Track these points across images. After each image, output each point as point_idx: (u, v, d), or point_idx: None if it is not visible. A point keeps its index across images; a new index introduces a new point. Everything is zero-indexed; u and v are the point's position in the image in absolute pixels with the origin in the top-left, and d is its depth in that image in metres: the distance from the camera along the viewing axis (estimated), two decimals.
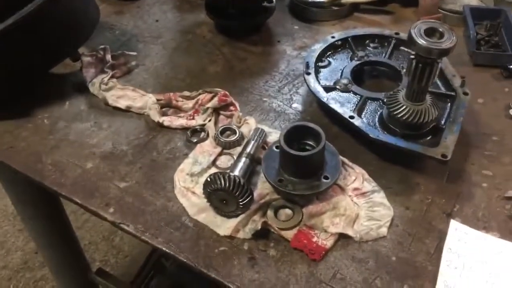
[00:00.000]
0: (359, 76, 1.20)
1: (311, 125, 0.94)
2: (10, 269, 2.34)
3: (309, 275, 0.87)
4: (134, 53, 1.32)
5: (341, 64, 1.22)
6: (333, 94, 1.13)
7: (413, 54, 0.94)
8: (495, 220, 0.94)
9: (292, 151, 0.90)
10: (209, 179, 0.91)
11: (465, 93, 1.09)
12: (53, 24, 1.13)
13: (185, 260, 0.89)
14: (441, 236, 0.92)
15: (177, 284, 2.13)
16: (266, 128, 1.09)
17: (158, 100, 1.17)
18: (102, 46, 1.28)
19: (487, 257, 0.88)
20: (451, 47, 0.89)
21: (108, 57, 1.27)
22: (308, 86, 1.13)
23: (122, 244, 2.43)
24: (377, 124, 1.07)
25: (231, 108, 1.16)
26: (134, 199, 0.99)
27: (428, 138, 1.03)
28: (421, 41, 0.89)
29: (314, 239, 0.90)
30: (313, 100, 1.19)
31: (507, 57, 1.26)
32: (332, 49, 1.26)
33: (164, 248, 0.91)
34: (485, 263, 0.87)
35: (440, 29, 0.91)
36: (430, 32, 0.91)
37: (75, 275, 1.86)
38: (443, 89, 1.13)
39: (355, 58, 1.23)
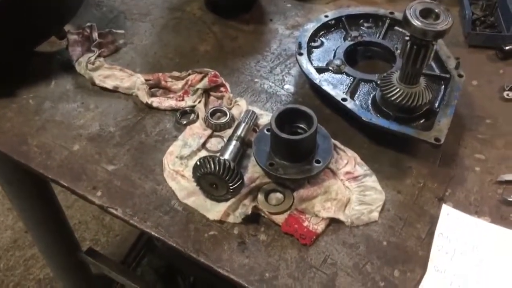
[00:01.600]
0: (352, 56, 1.18)
1: (303, 108, 0.92)
2: (0, 248, 2.32)
3: (300, 260, 0.86)
4: (122, 31, 1.28)
5: (334, 44, 1.19)
6: (325, 75, 1.11)
7: (408, 36, 0.91)
8: (487, 204, 0.94)
9: (284, 135, 0.88)
10: (198, 163, 0.90)
11: (460, 75, 1.07)
12: (37, 1, 1.09)
13: (174, 245, 0.88)
14: (433, 221, 0.91)
15: (168, 263, 2.14)
16: (257, 110, 1.07)
17: (146, 80, 1.14)
18: (88, 24, 1.24)
19: (478, 242, 0.88)
20: (447, 29, 0.87)
21: (95, 35, 1.23)
22: (300, 67, 1.11)
23: (113, 223, 2.42)
24: (370, 106, 1.05)
25: (222, 89, 1.13)
26: (122, 182, 0.97)
27: (421, 121, 1.02)
28: (416, 23, 0.87)
29: (305, 224, 0.90)
30: (305, 81, 1.17)
31: (502, 38, 1.24)
32: (325, 28, 1.23)
33: (153, 233, 0.90)
34: (476, 248, 0.87)
35: (436, 10, 0.88)
36: (425, 13, 0.88)
37: (65, 255, 1.85)
38: (437, 71, 1.11)
39: (349, 38, 1.20)
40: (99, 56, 1.20)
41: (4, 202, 2.48)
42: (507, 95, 1.13)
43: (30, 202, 1.59)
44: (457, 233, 0.89)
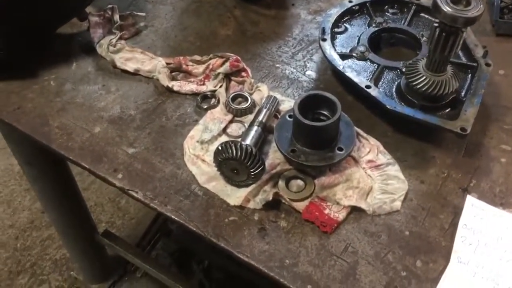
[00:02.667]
0: (376, 43, 1.16)
1: (327, 94, 0.91)
2: (17, 228, 2.36)
3: (320, 247, 0.86)
4: (143, 14, 1.28)
5: (358, 30, 1.17)
6: (349, 62, 1.09)
7: (436, 22, 0.89)
8: None
9: (307, 121, 0.87)
10: (220, 148, 0.89)
11: (488, 64, 1.05)
12: None
13: (194, 229, 0.88)
14: (456, 212, 0.90)
15: (183, 247, 2.15)
16: (278, 96, 1.06)
17: (167, 63, 1.14)
18: (110, 6, 1.23)
19: (503, 234, 0.86)
20: (478, 15, 0.84)
21: (116, 17, 1.22)
22: (323, 53, 1.09)
23: (128, 206, 2.43)
24: (394, 94, 1.03)
25: (243, 74, 1.12)
26: (143, 166, 0.97)
27: (447, 110, 1.00)
28: (446, 8, 0.84)
29: (326, 211, 0.89)
30: (327, 67, 1.15)
31: None
32: (349, 14, 1.21)
33: (173, 216, 0.90)
34: (501, 240, 0.85)
35: None
36: None
37: (81, 236, 1.87)
38: (464, 60, 1.09)
39: (373, 25, 1.18)
40: (120, 38, 1.20)
41: (21, 182, 2.51)
42: None
43: (49, 183, 1.61)
44: (482, 225, 0.87)
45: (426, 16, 1.20)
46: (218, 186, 0.93)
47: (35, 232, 2.36)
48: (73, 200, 1.75)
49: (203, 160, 0.97)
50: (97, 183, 2.49)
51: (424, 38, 1.13)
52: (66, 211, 1.75)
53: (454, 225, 0.88)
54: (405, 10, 1.21)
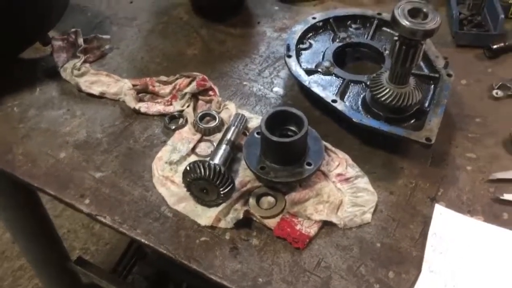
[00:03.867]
0: (341, 58, 1.17)
1: (293, 110, 0.91)
2: None
3: (293, 264, 0.85)
4: (108, 36, 1.26)
5: (322, 46, 1.19)
6: (315, 77, 1.10)
7: (396, 36, 0.91)
8: (479, 203, 0.93)
9: (274, 138, 0.87)
10: (188, 168, 0.88)
11: (449, 75, 1.07)
12: (21, 6, 1.07)
13: (165, 252, 0.87)
14: (426, 221, 0.91)
15: (160, 271, 2.11)
16: (246, 113, 1.06)
17: (134, 85, 1.13)
18: (73, 29, 1.21)
19: (472, 241, 0.87)
20: (436, 28, 0.86)
21: (80, 40, 1.21)
22: (289, 69, 1.10)
23: (103, 231, 2.38)
24: (360, 107, 1.04)
25: (210, 93, 1.12)
26: (111, 190, 0.96)
27: (412, 121, 1.02)
28: (405, 22, 0.86)
29: (298, 227, 0.88)
30: (294, 83, 1.16)
31: (490, 37, 1.24)
32: (313, 30, 1.22)
33: (143, 240, 0.88)
34: (470, 247, 0.86)
35: (424, 10, 0.88)
36: (414, 13, 0.88)
37: (54, 265, 1.82)
38: (426, 71, 1.11)
39: (337, 40, 1.19)
40: (84, 62, 1.19)
41: None
42: (496, 93, 1.13)
43: (17, 212, 1.56)
44: (451, 233, 0.88)
45: (388, 30, 1.22)
46: (188, 206, 0.92)
47: (6, 263, 2.29)
48: (43, 228, 1.70)
49: (172, 181, 0.96)
50: (70, 209, 2.43)
51: (387, 52, 1.15)
52: (36, 240, 1.70)
53: (424, 235, 0.88)
54: (367, 25, 1.24)
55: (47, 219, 1.70)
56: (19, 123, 1.08)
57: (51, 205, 2.33)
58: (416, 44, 0.89)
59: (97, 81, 1.14)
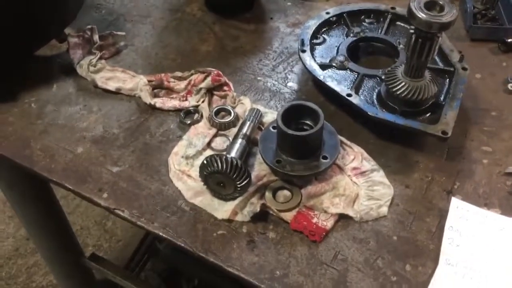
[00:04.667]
0: (355, 52, 1.17)
1: (309, 104, 0.92)
2: (2, 256, 2.31)
3: (310, 256, 0.86)
4: (123, 33, 1.27)
5: (336, 40, 1.19)
6: (329, 71, 1.11)
7: (412, 29, 0.91)
8: (496, 196, 0.93)
9: (290, 131, 0.88)
10: (205, 162, 0.89)
11: (464, 68, 1.07)
12: (38, 4, 1.08)
13: (183, 245, 0.88)
14: (442, 214, 0.91)
15: (172, 267, 2.12)
16: (261, 108, 1.07)
17: (149, 81, 1.14)
18: (89, 26, 1.23)
19: (489, 234, 0.87)
20: (452, 20, 0.86)
21: (96, 37, 1.22)
22: (303, 64, 1.10)
23: (115, 228, 2.40)
24: (375, 101, 1.05)
25: (225, 88, 1.13)
26: (128, 184, 0.97)
27: (427, 115, 1.02)
28: (421, 15, 0.86)
29: (314, 220, 0.89)
30: (308, 78, 1.17)
31: (504, 30, 1.24)
32: (327, 25, 1.22)
33: (161, 233, 0.89)
34: (487, 240, 0.86)
35: (441, 2, 0.88)
36: (430, 6, 0.88)
37: (68, 261, 1.83)
38: (441, 65, 1.11)
39: (351, 35, 1.20)
40: (100, 58, 1.20)
41: (5, 210, 2.47)
42: (511, 87, 1.13)
43: (33, 208, 1.58)
44: (468, 226, 0.88)
45: (402, 24, 1.22)
46: (205, 200, 0.93)
47: (20, 259, 2.31)
48: (58, 224, 1.72)
49: (188, 175, 0.96)
50: (83, 206, 2.46)
51: (401, 46, 1.15)
52: (51, 236, 1.72)
53: (440, 228, 0.88)
54: (381, 19, 1.24)
55: (62, 215, 1.72)
56: (36, 119, 1.09)
57: (64, 201, 2.36)
58: (432, 37, 0.89)
59: (113, 77, 1.15)
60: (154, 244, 2.16)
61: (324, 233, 0.87)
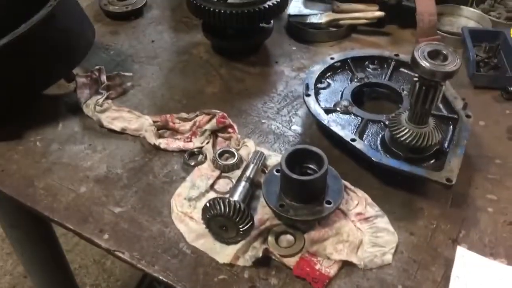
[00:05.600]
0: (359, 98, 1.19)
1: (313, 148, 0.92)
2: None
3: None
4: (130, 74, 1.30)
5: (340, 85, 1.20)
6: (333, 116, 1.11)
7: (416, 77, 0.92)
8: (502, 246, 0.92)
9: (294, 176, 0.87)
10: (208, 205, 0.88)
11: (468, 116, 1.07)
12: (47, 45, 1.11)
13: None
14: (447, 263, 0.89)
15: None
16: (265, 151, 1.07)
17: (154, 121, 1.15)
18: (97, 67, 1.25)
19: (495, 285, 0.85)
20: (456, 69, 0.87)
21: (103, 77, 1.24)
22: (308, 108, 1.11)
23: (114, 267, 2.37)
24: (379, 147, 1.05)
25: (230, 130, 1.13)
26: (130, 225, 0.96)
27: (432, 161, 1.01)
28: (425, 64, 0.87)
29: (317, 267, 0.87)
30: (312, 122, 1.17)
31: (507, 79, 1.25)
32: (331, 70, 1.24)
33: (161, 277, 0.87)
34: None
35: (444, 52, 0.89)
36: (433, 55, 0.89)
37: None
38: (445, 112, 1.11)
39: (355, 80, 1.21)
40: (107, 98, 1.21)
41: (3, 246, 2.44)
42: None
43: (32, 246, 1.57)
44: (474, 276, 0.86)
45: (406, 70, 1.24)
46: (207, 243, 0.92)
47: None
48: (57, 262, 1.70)
49: (191, 218, 0.96)
50: (82, 244, 2.44)
51: (405, 92, 1.16)
52: (49, 275, 1.70)
53: (446, 278, 0.87)
54: (385, 65, 1.26)
55: (61, 253, 1.70)
56: (41, 158, 1.09)
57: (64, 239, 2.33)
58: (435, 85, 0.90)
59: (118, 117, 1.16)
60: (153, 285, 2.12)
61: (327, 281, 0.86)
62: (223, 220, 0.88)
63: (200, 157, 1.08)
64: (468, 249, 0.91)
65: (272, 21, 1.44)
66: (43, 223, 1.50)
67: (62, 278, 1.74)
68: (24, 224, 1.46)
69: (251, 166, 1.00)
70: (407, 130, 0.98)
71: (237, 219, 0.86)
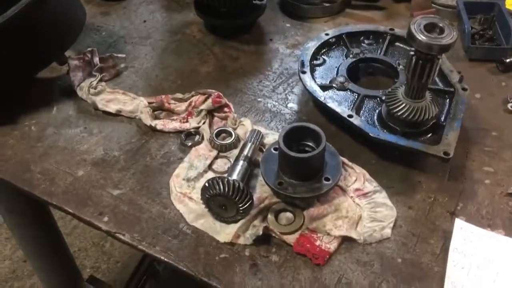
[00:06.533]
0: (354, 73, 1.18)
1: (311, 125, 0.92)
2: None
3: (314, 280, 0.84)
4: (123, 55, 1.28)
5: (336, 61, 1.19)
6: (329, 92, 1.11)
7: (412, 51, 0.91)
8: (499, 217, 0.93)
9: (293, 153, 0.87)
10: (207, 184, 0.88)
11: (464, 89, 1.07)
12: (38, 27, 1.09)
13: (184, 269, 0.86)
14: (446, 236, 0.90)
15: None
16: (262, 130, 1.07)
17: (149, 103, 1.14)
18: (89, 49, 1.23)
19: (494, 256, 0.86)
20: (452, 42, 0.87)
21: (96, 59, 1.22)
22: (304, 85, 1.10)
23: (113, 249, 2.38)
24: (376, 122, 1.05)
25: (226, 109, 1.13)
26: (129, 207, 0.96)
27: (429, 135, 1.02)
28: (421, 37, 0.87)
29: (317, 243, 0.88)
30: (308, 99, 1.17)
31: (502, 50, 1.25)
32: (326, 46, 1.23)
33: (162, 257, 0.88)
34: (492, 262, 0.86)
35: (440, 24, 0.89)
36: (430, 28, 0.89)
37: (65, 284, 1.81)
38: (441, 85, 1.11)
39: (350, 56, 1.20)
40: (100, 80, 1.20)
41: (1, 231, 2.44)
42: (511, 107, 1.13)
43: (31, 230, 1.57)
44: (472, 248, 0.87)
45: (401, 45, 1.23)
46: (207, 223, 0.92)
47: (17, 282, 2.28)
48: (55, 246, 1.71)
49: (190, 198, 0.96)
50: (80, 227, 2.44)
51: (401, 67, 1.16)
52: (49, 258, 1.70)
53: (445, 250, 0.88)
54: (380, 40, 1.25)
55: (60, 237, 1.71)
56: (37, 142, 1.09)
57: (61, 223, 2.34)
58: (432, 58, 0.90)
59: (113, 99, 1.15)
60: (152, 266, 2.14)
61: (327, 256, 0.87)
62: (223, 200, 0.88)
63: (197, 137, 1.07)
64: (466, 221, 0.92)
65: None
66: (40, 207, 1.50)
67: (62, 261, 1.75)
68: (21, 208, 1.45)
69: (249, 145, 0.99)
70: (403, 104, 0.98)
71: (237, 198, 0.86)
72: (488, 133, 1.09)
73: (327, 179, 0.91)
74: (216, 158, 1.03)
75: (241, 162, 0.96)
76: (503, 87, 1.20)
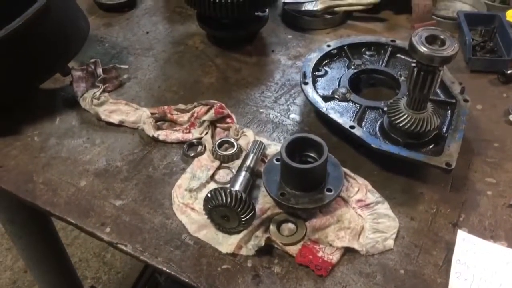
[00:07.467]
0: (356, 84, 1.19)
1: (313, 136, 0.92)
2: None
3: None
4: (126, 66, 1.29)
5: (338, 73, 1.20)
6: (331, 103, 1.11)
7: (414, 62, 0.92)
8: (502, 228, 0.93)
9: (295, 164, 0.88)
10: (209, 195, 0.88)
11: (466, 100, 1.08)
12: (42, 39, 1.10)
13: (187, 280, 0.86)
14: (449, 247, 0.90)
15: None
16: (264, 140, 1.07)
17: (152, 113, 1.14)
18: (92, 60, 1.24)
19: (497, 267, 0.86)
20: (453, 54, 0.87)
21: (99, 70, 1.23)
22: (306, 96, 1.11)
23: (114, 260, 2.37)
24: (378, 133, 1.05)
25: (228, 120, 1.13)
26: (131, 218, 0.96)
27: (431, 146, 1.02)
28: (423, 49, 0.87)
29: (320, 254, 0.88)
30: (310, 110, 1.17)
31: (503, 62, 1.26)
32: (328, 58, 1.24)
33: (164, 268, 0.88)
34: (495, 274, 0.85)
35: (442, 36, 0.89)
36: (431, 40, 0.89)
37: None
38: (442, 97, 1.12)
39: (352, 67, 1.21)
40: (103, 91, 1.20)
41: (2, 241, 2.44)
42: None
43: (32, 240, 1.57)
44: (475, 259, 0.87)
45: (403, 56, 1.24)
46: (209, 234, 0.92)
47: None
48: (57, 256, 1.70)
49: (192, 209, 0.96)
50: (81, 238, 2.44)
51: (402, 78, 1.16)
52: (50, 269, 1.70)
53: (448, 261, 0.87)
54: (382, 51, 1.25)
55: (61, 247, 1.70)
56: (39, 152, 1.09)
57: (63, 233, 2.34)
58: (433, 70, 0.90)
59: (116, 110, 1.16)
60: (154, 277, 2.13)
61: (330, 267, 0.86)
62: (225, 210, 0.88)
63: (200, 148, 1.08)
64: (468, 232, 0.91)
65: (267, 10, 1.43)
66: (42, 217, 1.50)
67: (63, 272, 1.75)
68: (23, 219, 1.45)
69: (251, 155, 1.00)
70: (405, 116, 0.98)
71: (239, 209, 0.87)
72: (490, 144, 1.09)
73: (329, 190, 0.92)
74: (218, 168, 1.03)
75: (243, 173, 0.96)
76: (505, 98, 1.21)
